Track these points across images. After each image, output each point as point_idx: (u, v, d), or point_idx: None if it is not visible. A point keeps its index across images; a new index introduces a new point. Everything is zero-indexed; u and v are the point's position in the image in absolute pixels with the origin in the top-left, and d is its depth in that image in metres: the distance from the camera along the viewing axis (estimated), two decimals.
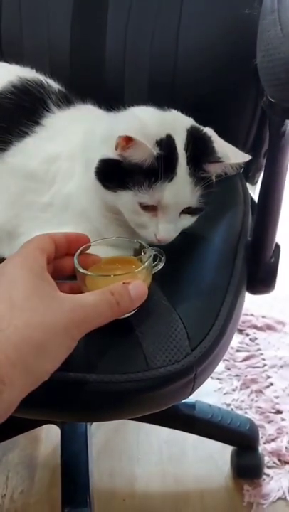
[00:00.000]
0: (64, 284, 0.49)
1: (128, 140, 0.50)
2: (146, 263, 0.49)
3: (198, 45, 0.73)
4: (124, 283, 0.46)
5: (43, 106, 0.61)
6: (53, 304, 0.43)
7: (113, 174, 0.53)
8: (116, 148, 0.52)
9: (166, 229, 0.54)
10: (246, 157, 0.55)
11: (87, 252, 0.52)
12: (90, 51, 0.78)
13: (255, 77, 0.55)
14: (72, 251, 0.50)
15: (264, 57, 0.51)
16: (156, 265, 0.53)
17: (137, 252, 0.53)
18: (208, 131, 0.57)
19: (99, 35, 0.77)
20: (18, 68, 0.69)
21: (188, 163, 0.53)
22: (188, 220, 0.56)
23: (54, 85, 0.67)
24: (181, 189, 0.52)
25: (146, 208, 0.53)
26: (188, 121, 0.57)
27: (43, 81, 0.65)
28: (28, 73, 0.66)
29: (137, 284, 0.47)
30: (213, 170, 0.55)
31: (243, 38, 0.65)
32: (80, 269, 0.48)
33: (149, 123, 0.53)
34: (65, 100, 0.64)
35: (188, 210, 0.55)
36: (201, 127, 0.57)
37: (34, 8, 0.78)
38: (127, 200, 0.53)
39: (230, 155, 0.54)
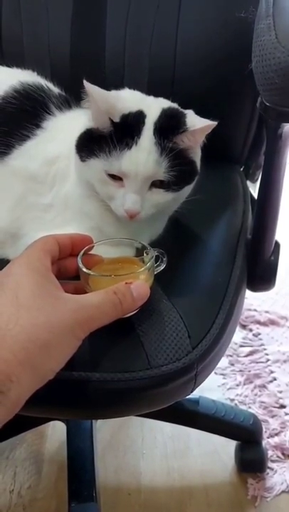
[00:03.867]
0: (68, 284, 0.50)
1: (87, 89, 0.51)
2: (149, 263, 0.50)
3: (196, 45, 0.74)
4: (126, 283, 0.47)
5: (44, 109, 0.62)
6: (57, 304, 0.44)
7: (86, 144, 0.54)
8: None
9: (131, 199, 0.53)
10: (211, 122, 0.54)
11: (90, 252, 0.52)
12: (90, 52, 0.78)
13: (253, 77, 0.56)
14: (76, 252, 0.51)
15: (259, 62, 0.52)
16: (158, 266, 0.54)
17: (140, 253, 0.54)
18: (188, 111, 0.57)
19: (98, 37, 0.77)
20: (20, 72, 0.69)
21: (154, 134, 0.53)
22: (162, 196, 0.55)
23: (54, 89, 0.67)
24: (141, 158, 0.52)
25: (114, 178, 0.53)
26: (167, 103, 0.57)
27: (44, 85, 0.66)
28: (29, 77, 0.67)
29: (139, 285, 0.48)
30: (181, 141, 0.54)
31: (240, 40, 0.65)
32: (84, 269, 0.49)
33: (125, 99, 0.53)
34: (66, 104, 0.64)
35: (160, 185, 0.54)
36: (180, 109, 0.57)
37: (34, 9, 0.79)
38: (94, 167, 0.53)
39: (197, 123, 0.54)
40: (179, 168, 0.53)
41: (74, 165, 0.57)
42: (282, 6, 0.53)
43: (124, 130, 0.52)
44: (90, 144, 0.53)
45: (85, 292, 0.49)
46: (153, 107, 0.55)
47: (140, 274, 0.49)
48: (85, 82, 0.51)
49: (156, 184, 0.54)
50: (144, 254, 0.53)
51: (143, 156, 0.52)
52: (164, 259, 0.54)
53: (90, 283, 0.49)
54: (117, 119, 0.52)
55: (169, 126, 0.53)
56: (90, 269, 0.50)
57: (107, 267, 0.53)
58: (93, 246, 0.53)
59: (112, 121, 0.52)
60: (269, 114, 0.53)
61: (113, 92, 0.57)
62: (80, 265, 0.49)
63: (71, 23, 0.78)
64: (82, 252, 0.51)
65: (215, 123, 0.53)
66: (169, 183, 0.54)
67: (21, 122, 0.61)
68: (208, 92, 0.74)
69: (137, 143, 0.52)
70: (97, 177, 0.54)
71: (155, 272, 0.53)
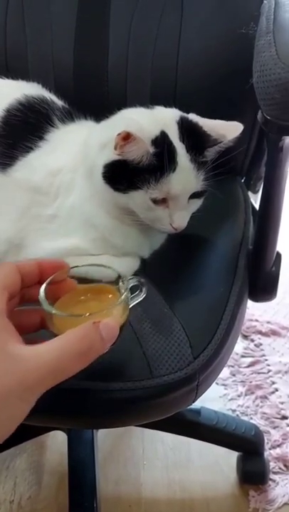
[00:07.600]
0: (34, 312, 0.46)
1: (127, 136, 0.51)
2: (123, 296, 0.45)
3: (197, 60, 0.75)
4: (94, 323, 0.42)
5: (47, 121, 0.63)
6: (5, 365, 0.39)
7: (121, 176, 0.55)
8: (115, 148, 0.53)
9: (180, 217, 0.56)
10: (239, 127, 0.56)
11: (65, 276, 0.47)
12: (93, 66, 0.79)
13: (254, 90, 0.57)
14: (45, 279, 0.46)
15: (259, 77, 0.53)
16: (135, 296, 0.49)
17: (118, 279, 0.48)
18: (193, 116, 0.59)
19: (101, 50, 0.78)
20: (25, 84, 0.71)
21: (187, 152, 0.55)
22: (196, 204, 0.59)
23: (58, 102, 0.68)
24: (185, 177, 0.55)
25: (157, 201, 0.55)
26: (175, 114, 0.59)
27: (48, 98, 0.67)
28: (33, 90, 0.68)
29: (107, 324, 0.42)
30: (213, 151, 0.57)
31: (241, 55, 0.66)
32: (45, 307, 0.43)
33: (143, 123, 0.54)
34: (69, 116, 0.65)
35: (193, 195, 0.57)
36: (187, 115, 0.59)
37: (38, 23, 0.80)
38: (139, 198, 0.55)
39: (225, 132, 0.56)
40: (206, 176, 0.56)
41: (93, 187, 0.57)
42: (283, 23, 0.55)
43: (161, 155, 0.53)
44: (127, 176, 0.54)
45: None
46: (168, 123, 0.56)
47: (113, 310, 0.44)
48: (126, 130, 0.50)
49: (191, 195, 0.57)
50: (121, 284, 0.47)
51: (187, 174, 0.55)
52: (144, 288, 0.49)
53: (54, 321, 0.44)
54: (152, 149, 0.53)
55: (196, 141, 0.55)
56: (60, 297, 0.45)
57: (77, 298, 0.47)
58: (66, 270, 0.47)
59: (149, 151, 0.53)
60: (270, 128, 0.55)
61: (133, 120, 0.57)
62: (42, 300, 0.43)
63: (74, 37, 0.79)
64: (45, 283, 0.45)
65: (242, 126, 0.56)
66: (202, 192, 0.57)
67: (25, 134, 0.62)
68: (210, 104, 0.75)
69: (178, 164, 0.54)
70: (143, 206, 0.55)
71: (131, 305, 0.47)
